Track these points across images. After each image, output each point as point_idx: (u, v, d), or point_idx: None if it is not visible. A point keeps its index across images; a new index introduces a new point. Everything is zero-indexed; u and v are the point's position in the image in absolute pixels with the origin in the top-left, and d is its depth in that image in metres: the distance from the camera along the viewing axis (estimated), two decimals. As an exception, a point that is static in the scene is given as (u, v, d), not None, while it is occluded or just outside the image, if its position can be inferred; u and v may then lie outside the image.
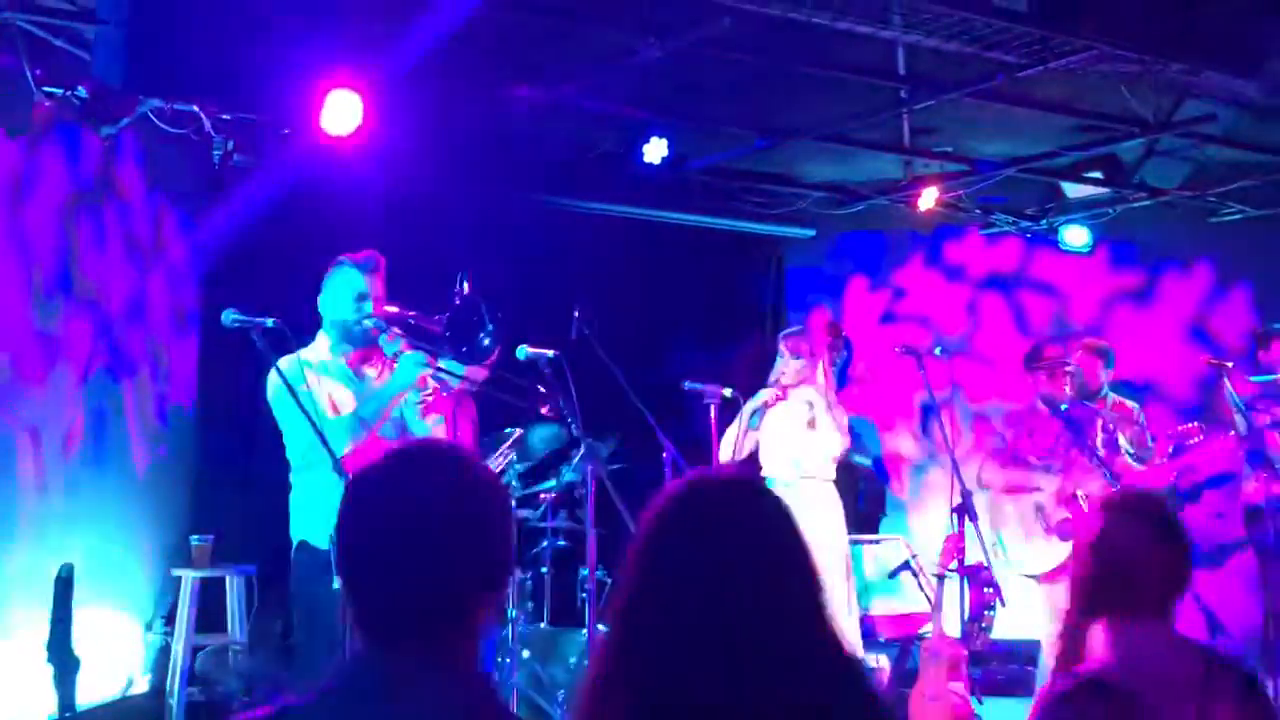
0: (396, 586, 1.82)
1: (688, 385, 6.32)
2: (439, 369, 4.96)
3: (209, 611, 6.57)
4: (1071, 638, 2.63)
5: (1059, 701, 2.51)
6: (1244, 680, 2.55)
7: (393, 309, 5.06)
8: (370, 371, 5.09)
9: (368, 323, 4.95)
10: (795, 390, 6.76)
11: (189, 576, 6.49)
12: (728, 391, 6.34)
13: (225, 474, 7.01)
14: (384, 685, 1.80)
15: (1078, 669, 2.59)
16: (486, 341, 5.03)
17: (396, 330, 5.02)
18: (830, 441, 6.72)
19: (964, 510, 6.05)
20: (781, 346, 6.87)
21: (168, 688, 6.39)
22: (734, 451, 6.73)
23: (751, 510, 1.91)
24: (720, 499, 1.91)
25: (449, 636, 1.83)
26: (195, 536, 6.59)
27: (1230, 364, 7.21)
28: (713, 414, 6.24)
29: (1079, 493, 6.58)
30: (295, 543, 5.00)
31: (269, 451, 5.30)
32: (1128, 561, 2.62)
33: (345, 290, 4.97)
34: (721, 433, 6.43)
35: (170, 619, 6.59)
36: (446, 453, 1.93)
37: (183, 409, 7.20)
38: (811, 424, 6.72)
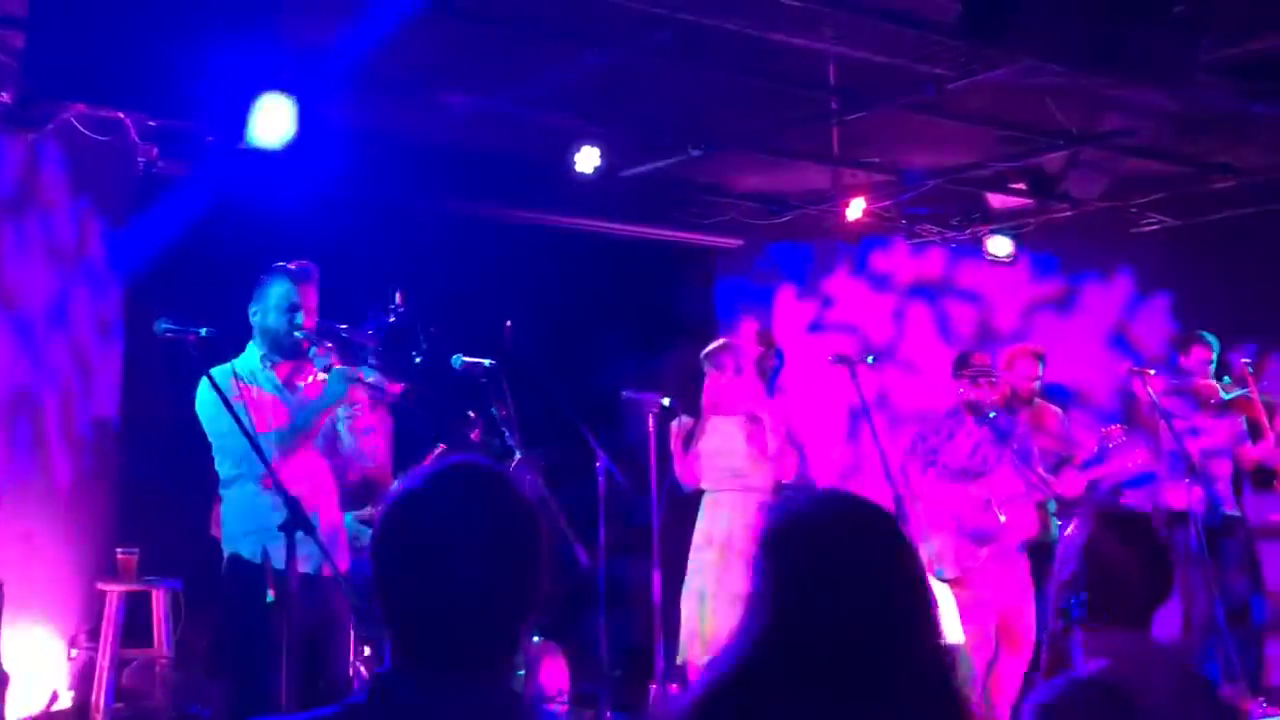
0: (440, 608, 1.79)
1: (626, 394, 6.34)
2: (368, 383, 4.92)
3: (135, 625, 6.47)
4: (1056, 644, 2.70)
5: (1062, 708, 2.58)
6: (1210, 686, 2.70)
7: (325, 322, 5.01)
8: (300, 384, 5.04)
9: (298, 334, 4.90)
10: (715, 398, 6.75)
11: (114, 590, 6.39)
12: (666, 400, 6.36)
13: (151, 486, 6.90)
14: (421, 704, 1.78)
15: (1070, 674, 2.68)
16: (418, 359, 5.01)
17: (328, 343, 4.97)
18: (744, 452, 6.73)
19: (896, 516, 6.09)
20: (706, 366, 6.87)
21: (93, 702, 6.28)
22: (683, 474, 6.73)
23: (869, 537, 2.02)
24: (837, 525, 2.02)
25: (488, 657, 1.82)
26: (120, 549, 6.48)
27: (1151, 371, 7.36)
28: (650, 423, 6.25)
29: (994, 499, 6.67)
30: (226, 556, 4.94)
31: (195, 463, 5.23)
32: (1112, 574, 2.71)
33: (277, 300, 4.92)
34: (660, 442, 6.44)
35: (96, 633, 6.47)
36: (489, 474, 1.89)
37: (107, 420, 7.08)
38: (751, 438, 6.71)
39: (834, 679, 1.89)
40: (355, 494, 5.73)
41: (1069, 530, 2.90)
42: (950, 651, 2.05)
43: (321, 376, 5.03)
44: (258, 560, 4.67)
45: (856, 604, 1.92)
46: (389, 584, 1.83)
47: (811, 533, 2.00)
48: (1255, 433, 7.81)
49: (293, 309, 4.89)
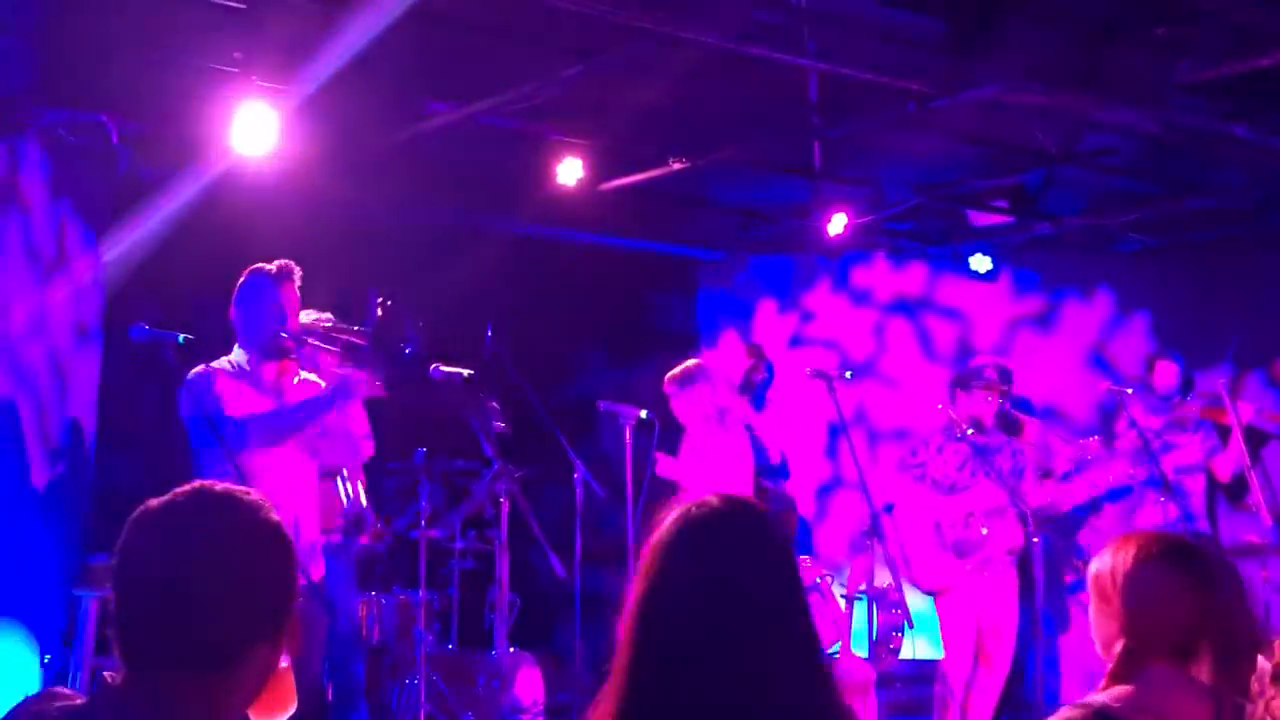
0: (155, 620, 1.86)
1: (603, 406, 6.34)
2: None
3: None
4: (1116, 676, 2.67)
5: None
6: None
7: (309, 317, 5.02)
8: (289, 384, 5.05)
9: (282, 335, 4.90)
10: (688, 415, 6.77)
11: (89, 597, 6.35)
12: (643, 413, 6.36)
13: (127, 492, 6.81)
14: (129, 715, 1.84)
15: (1086, 699, 2.65)
16: (408, 350, 5.02)
17: (313, 341, 4.98)
18: (720, 470, 6.70)
19: (873, 533, 6.12)
20: (698, 381, 6.86)
21: (65, 710, 6.24)
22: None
23: (745, 533, 2.05)
24: (715, 523, 2.05)
25: (203, 677, 1.86)
26: (95, 555, 6.45)
27: (1130, 390, 7.40)
28: (628, 435, 6.26)
29: (976, 512, 6.69)
30: None
31: (172, 469, 5.21)
32: (1154, 604, 2.68)
33: (259, 301, 4.91)
34: (636, 453, 6.44)
35: (69, 640, 6.43)
36: (222, 497, 1.96)
37: (83, 425, 7.05)
38: (726, 453, 6.70)
39: (705, 689, 1.92)
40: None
41: (1094, 561, 2.84)
42: (827, 661, 2.05)
43: (307, 376, 5.04)
44: None
45: (725, 605, 1.96)
46: (117, 591, 1.91)
47: (687, 537, 2.04)
48: (1225, 442, 7.86)
49: (275, 309, 4.90)
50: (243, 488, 1.99)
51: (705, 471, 6.70)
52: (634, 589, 2.02)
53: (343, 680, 5.60)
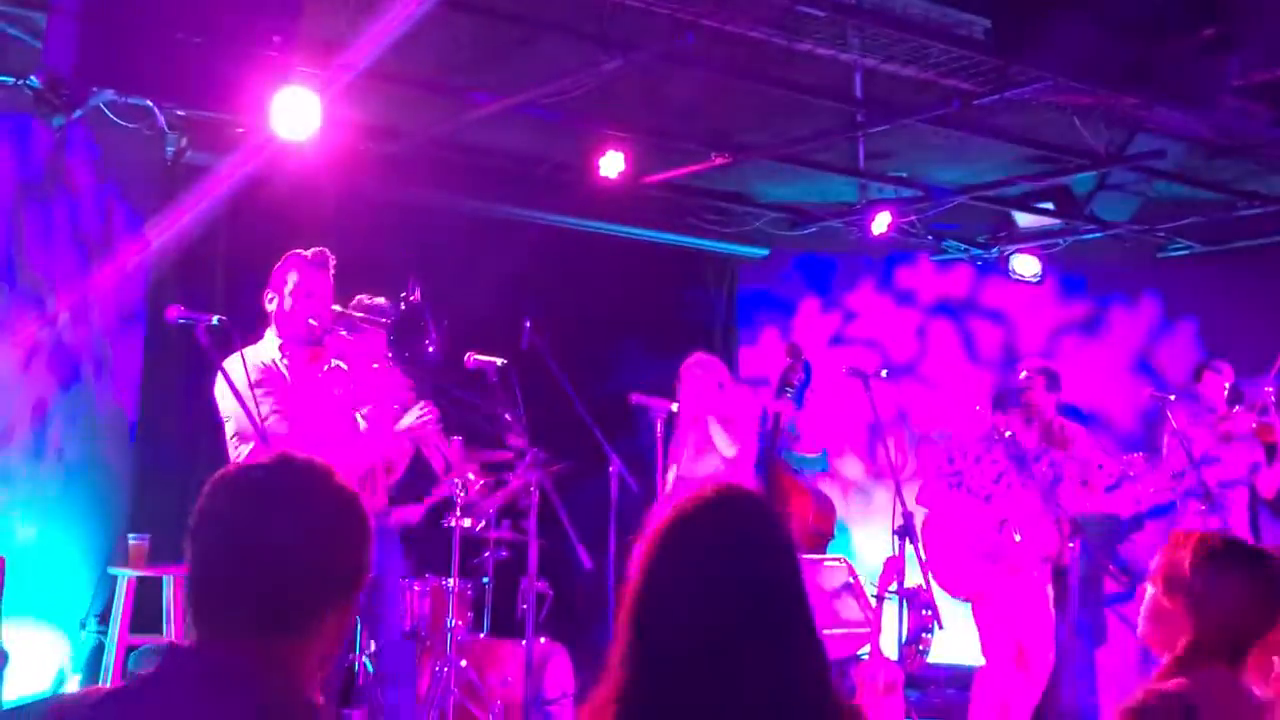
0: (236, 584, 1.87)
1: (635, 400, 6.33)
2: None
3: (144, 611, 6.49)
4: (1169, 675, 2.67)
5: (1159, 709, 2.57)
6: None
7: (338, 308, 5.05)
8: (319, 372, 5.07)
9: (312, 321, 4.93)
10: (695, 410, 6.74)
11: (125, 575, 6.42)
12: (675, 406, 6.35)
13: (165, 473, 6.93)
14: (205, 679, 1.84)
15: (1156, 685, 2.65)
16: (430, 348, 5.03)
17: (340, 331, 5.00)
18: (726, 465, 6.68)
19: (905, 532, 6.07)
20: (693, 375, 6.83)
21: (102, 688, 6.30)
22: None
23: (732, 525, 2.00)
24: (703, 516, 2.00)
25: (276, 642, 1.87)
26: (132, 535, 6.52)
27: (1172, 397, 7.31)
28: (659, 429, 6.25)
29: (1011, 519, 6.64)
30: None
31: (211, 451, 5.27)
32: (1216, 609, 2.68)
33: (291, 288, 4.97)
34: (666, 447, 6.43)
35: (105, 617, 6.51)
36: (303, 465, 1.97)
37: (125, 407, 7.12)
38: (712, 447, 6.67)
39: (706, 676, 1.89)
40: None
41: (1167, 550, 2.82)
42: (824, 654, 1.99)
43: (338, 363, 5.06)
44: None
45: (730, 593, 1.93)
46: (193, 555, 1.91)
47: (683, 528, 2.00)
48: (1272, 459, 7.75)
49: (306, 296, 4.92)
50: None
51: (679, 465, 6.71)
52: (628, 583, 1.99)
53: (393, 661, 5.58)
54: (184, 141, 6.86)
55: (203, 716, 1.81)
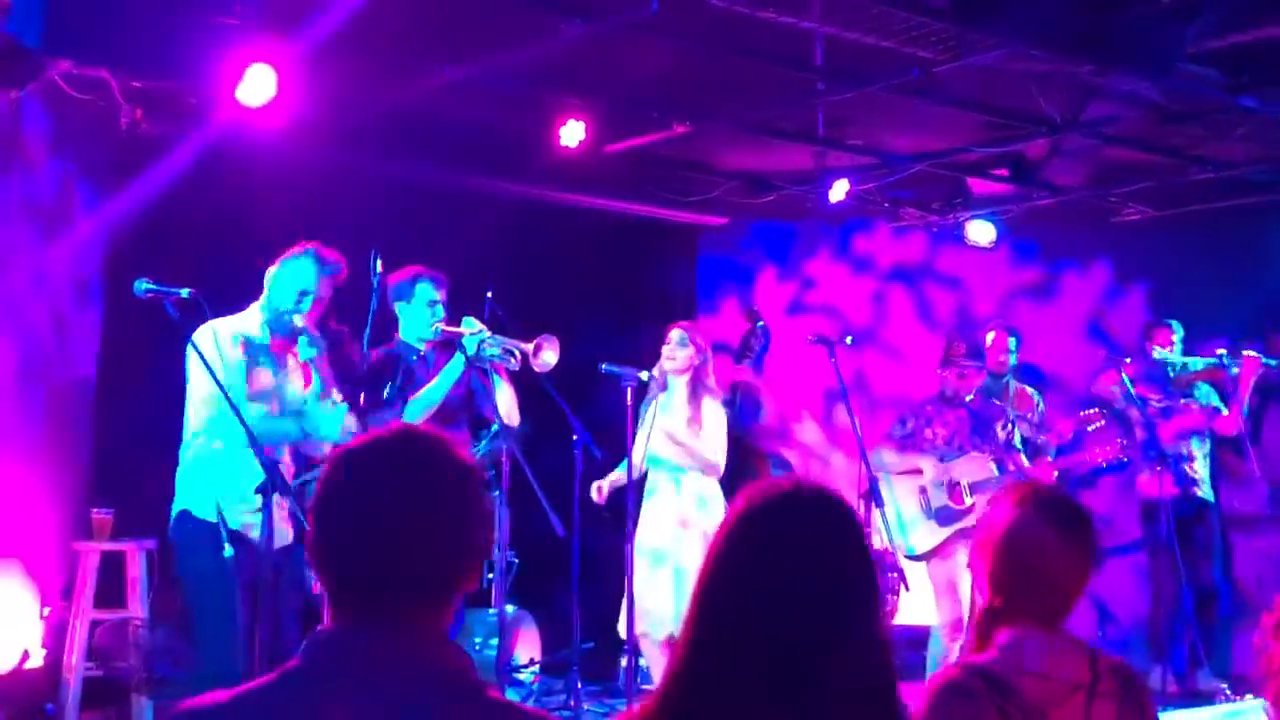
0: (374, 564, 1.84)
1: (605, 368, 6.35)
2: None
3: (109, 586, 6.47)
4: (980, 633, 2.59)
5: (949, 692, 2.49)
6: (1127, 680, 2.54)
7: (329, 325, 5.18)
8: (290, 360, 5.13)
9: (297, 320, 5.04)
10: (678, 379, 6.67)
11: (90, 550, 6.39)
12: (645, 375, 6.37)
13: (127, 446, 6.87)
14: (357, 664, 1.81)
15: (968, 659, 2.58)
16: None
17: (318, 336, 5.14)
18: (712, 439, 6.60)
19: (870, 496, 6.15)
20: (671, 333, 6.76)
21: (65, 662, 6.29)
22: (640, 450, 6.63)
23: (820, 524, 1.99)
24: (793, 512, 2.00)
25: (423, 615, 1.86)
26: (96, 510, 6.48)
27: (1128, 359, 7.43)
28: (629, 397, 6.27)
29: (962, 481, 6.73)
30: (176, 513, 5.00)
31: (172, 424, 5.26)
32: (1032, 562, 2.57)
33: (295, 279, 5.08)
34: (636, 415, 6.44)
35: (69, 592, 6.47)
36: (428, 438, 1.96)
37: (84, 380, 7.06)
38: (693, 420, 6.58)
39: (775, 674, 1.90)
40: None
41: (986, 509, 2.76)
42: (890, 652, 2.00)
43: (303, 359, 5.12)
44: (212, 518, 4.77)
45: (805, 593, 1.92)
46: (325, 539, 1.89)
47: (767, 521, 2.00)
48: (1228, 404, 7.90)
49: (303, 294, 5.09)
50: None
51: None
52: (700, 574, 2.00)
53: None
54: (139, 113, 6.78)
55: (364, 705, 1.78)
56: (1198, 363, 7.93)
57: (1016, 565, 2.58)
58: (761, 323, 8.50)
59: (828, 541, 1.97)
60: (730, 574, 1.97)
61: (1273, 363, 7.67)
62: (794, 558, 1.94)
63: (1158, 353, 7.95)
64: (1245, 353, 7.63)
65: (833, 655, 1.90)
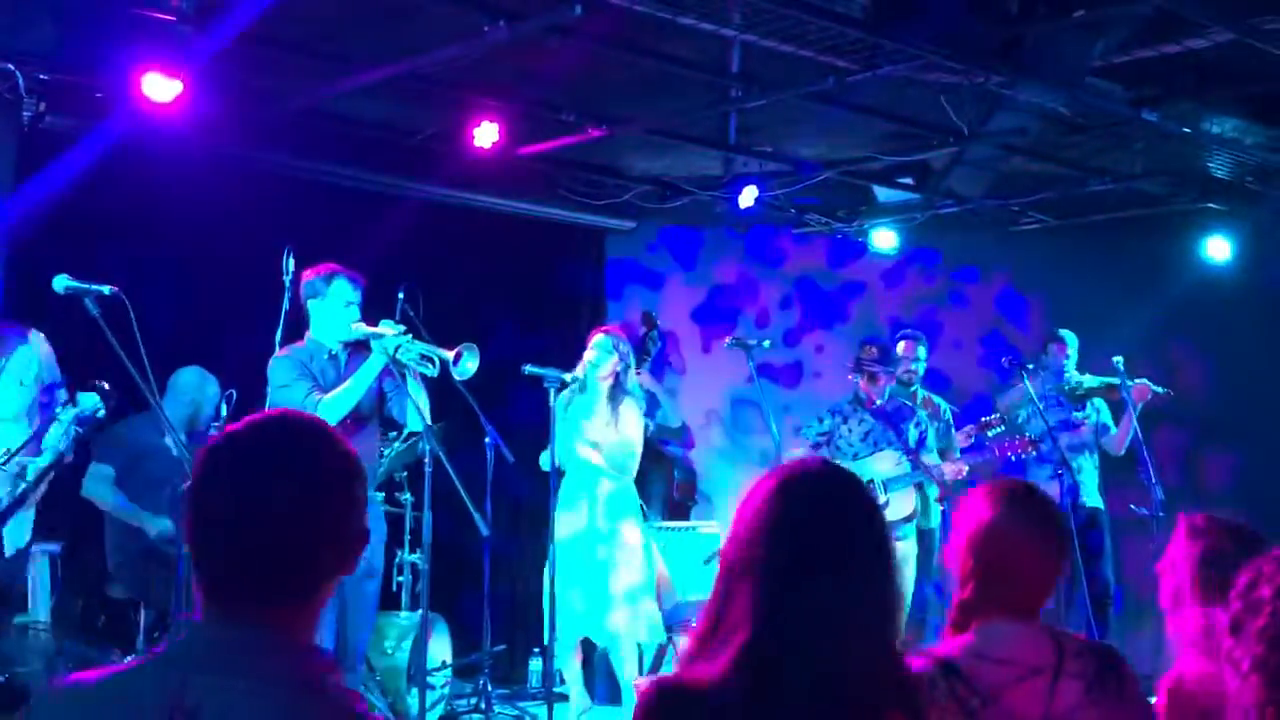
0: (242, 554, 1.81)
1: (528, 369, 6.35)
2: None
3: (9, 590, 6.30)
4: (956, 624, 2.66)
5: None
6: (1103, 663, 2.58)
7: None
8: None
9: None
10: (601, 383, 6.68)
11: (-11, 553, 6.21)
12: (569, 376, 6.37)
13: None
14: (220, 654, 1.79)
15: (934, 649, 2.63)
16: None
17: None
18: (630, 443, 6.63)
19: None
20: (596, 338, 6.78)
21: (-35, 670, 6.11)
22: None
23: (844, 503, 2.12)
24: (815, 491, 2.12)
25: (289, 608, 1.83)
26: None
27: (1031, 365, 7.60)
28: (552, 398, 6.27)
29: (876, 479, 6.86)
30: None
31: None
32: (1005, 557, 2.63)
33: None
34: (561, 416, 6.46)
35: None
36: (304, 426, 1.92)
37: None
38: (613, 423, 6.61)
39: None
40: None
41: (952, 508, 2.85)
42: (897, 630, 2.13)
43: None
44: None
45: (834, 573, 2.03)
46: (197, 527, 1.85)
47: (806, 485, 2.11)
48: (1117, 422, 8.12)
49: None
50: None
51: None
52: (725, 547, 2.10)
53: (357, 639, 5.61)
54: (42, 106, 6.63)
55: (220, 695, 1.75)
56: (1093, 380, 8.14)
57: (989, 560, 2.64)
58: (657, 328, 8.56)
59: (857, 506, 2.12)
60: (772, 529, 2.06)
61: (1161, 390, 7.91)
62: (828, 518, 2.07)
63: (1054, 364, 8.15)
64: (1137, 381, 7.84)
65: (854, 614, 2.01)
